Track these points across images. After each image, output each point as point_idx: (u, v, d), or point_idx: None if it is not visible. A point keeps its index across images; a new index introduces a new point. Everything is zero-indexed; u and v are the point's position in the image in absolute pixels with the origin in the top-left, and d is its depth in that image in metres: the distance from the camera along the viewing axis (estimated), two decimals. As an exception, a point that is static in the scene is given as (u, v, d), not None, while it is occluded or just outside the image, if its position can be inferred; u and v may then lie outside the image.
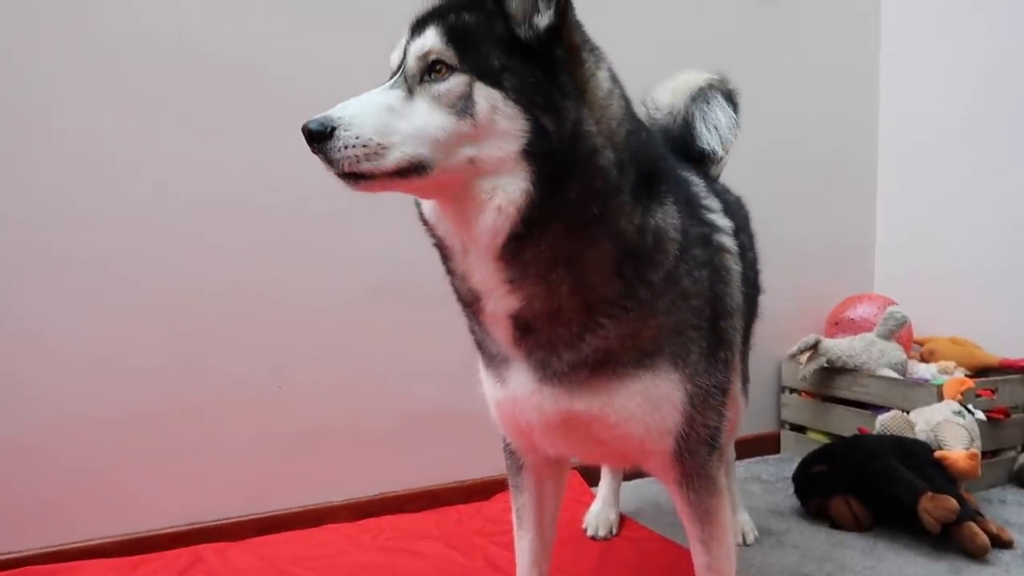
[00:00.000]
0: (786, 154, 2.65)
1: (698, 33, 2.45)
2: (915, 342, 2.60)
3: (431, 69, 0.93)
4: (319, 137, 0.89)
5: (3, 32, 1.63)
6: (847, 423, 2.36)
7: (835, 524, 1.92)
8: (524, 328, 1.02)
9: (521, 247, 0.95)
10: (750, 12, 2.57)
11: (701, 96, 1.57)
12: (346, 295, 1.96)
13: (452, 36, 0.93)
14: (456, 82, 0.92)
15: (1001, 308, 2.47)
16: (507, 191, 0.92)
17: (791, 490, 2.10)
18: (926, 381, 2.29)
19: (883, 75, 2.86)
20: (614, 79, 1.02)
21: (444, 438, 2.07)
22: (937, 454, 1.90)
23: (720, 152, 1.57)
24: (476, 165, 0.93)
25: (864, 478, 1.89)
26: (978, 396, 2.16)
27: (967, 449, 1.90)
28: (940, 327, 2.60)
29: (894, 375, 2.33)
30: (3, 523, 1.65)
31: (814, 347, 2.42)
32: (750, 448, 2.53)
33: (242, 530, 1.83)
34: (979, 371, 2.37)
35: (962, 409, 2.04)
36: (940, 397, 2.12)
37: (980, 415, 2.07)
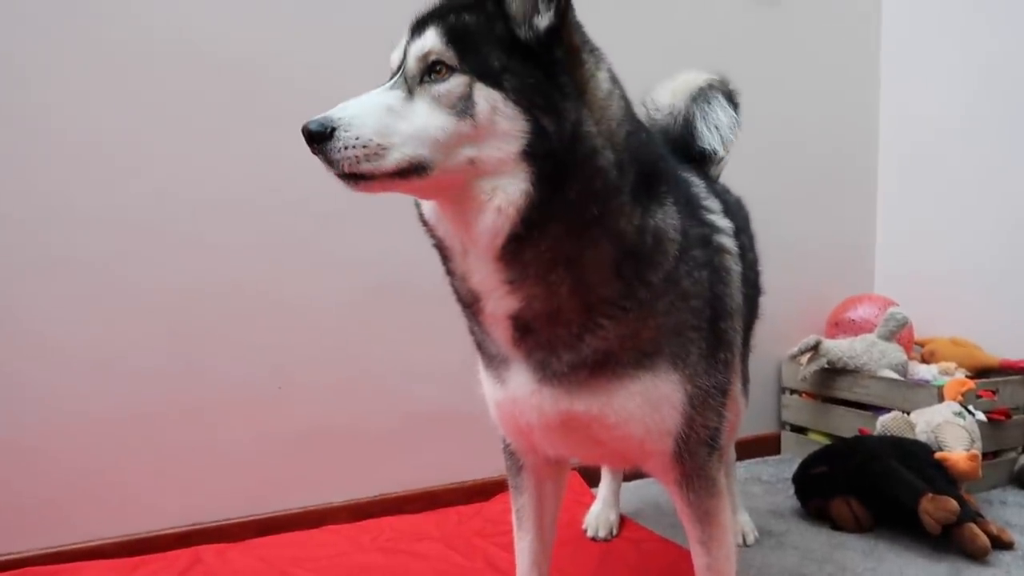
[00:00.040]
0: (786, 154, 2.65)
1: (698, 33, 2.45)
2: (916, 343, 2.60)
3: (431, 70, 0.93)
4: (319, 138, 0.89)
5: (3, 32, 1.63)
6: (848, 424, 2.36)
7: (836, 525, 1.92)
8: (524, 329, 1.02)
9: (521, 248, 0.95)
10: (750, 12, 2.57)
11: (701, 96, 1.57)
12: (346, 295, 1.96)
13: (452, 37, 0.93)
14: (456, 83, 0.92)
15: (1002, 309, 2.47)
16: (507, 192, 0.92)
17: (791, 491, 2.10)
18: (927, 382, 2.29)
19: (883, 75, 2.86)
20: (614, 80, 1.02)
21: (444, 439, 2.07)
22: (938, 455, 1.90)
23: (721, 152, 1.57)
24: (476, 166, 0.93)
25: (865, 479, 1.89)
26: (979, 397, 2.16)
27: (968, 450, 1.90)
28: (941, 328, 2.59)
29: (895, 376, 2.33)
30: (3, 523, 1.65)
31: (815, 348, 2.42)
32: (750, 449, 2.53)
33: (242, 531, 1.83)
34: (980, 372, 2.37)
35: (963, 410, 2.03)
36: (941, 398, 2.12)
37: (981, 416, 2.07)
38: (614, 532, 1.87)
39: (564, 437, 1.11)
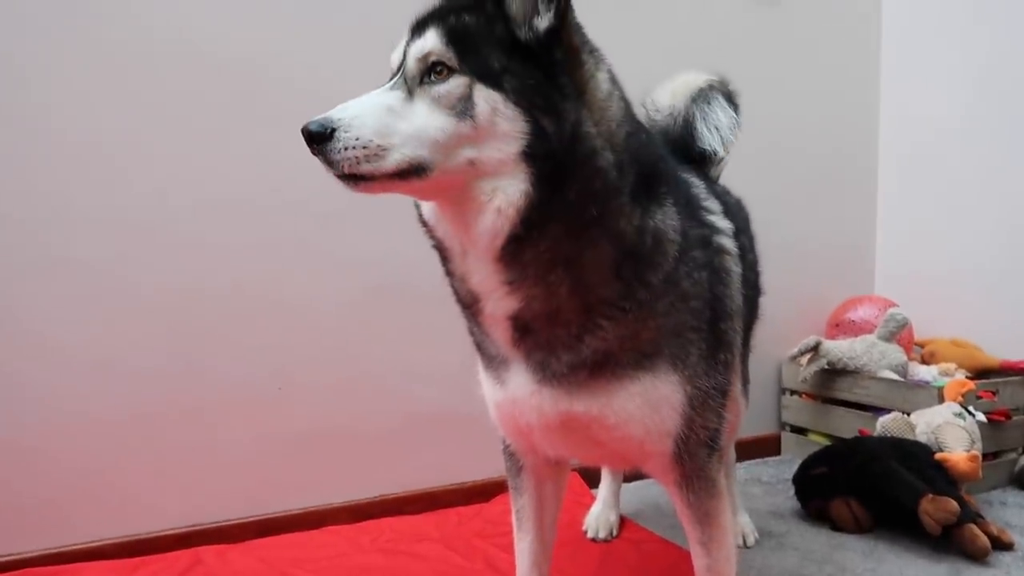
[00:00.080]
0: (786, 155, 2.65)
1: (698, 34, 2.45)
2: (916, 344, 2.60)
3: (431, 70, 0.93)
4: (319, 138, 0.89)
5: (3, 32, 1.63)
6: (848, 425, 2.36)
7: (836, 526, 1.92)
8: (523, 329, 1.02)
9: (520, 248, 0.95)
10: (750, 12, 2.57)
11: (701, 97, 1.57)
12: (346, 296, 1.96)
13: (452, 38, 0.93)
14: (456, 84, 0.92)
15: (1002, 310, 2.47)
16: (506, 193, 0.92)
17: (791, 492, 2.10)
18: (927, 383, 2.29)
19: (883, 75, 2.85)
20: (613, 81, 1.02)
21: (444, 440, 2.07)
22: (938, 456, 1.90)
23: (721, 153, 1.57)
24: (476, 167, 0.93)
25: (865, 480, 1.89)
26: (979, 398, 2.16)
27: (968, 451, 1.89)
28: (941, 329, 2.59)
29: (895, 377, 2.33)
30: (3, 524, 1.65)
31: (815, 349, 2.42)
32: (750, 450, 2.53)
33: (242, 532, 1.83)
34: (980, 373, 2.37)
35: (963, 411, 2.03)
36: (941, 399, 2.12)
37: (981, 417, 2.07)
38: (614, 533, 1.87)
39: (564, 438, 1.11)
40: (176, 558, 1.70)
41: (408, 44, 0.96)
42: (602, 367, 1.02)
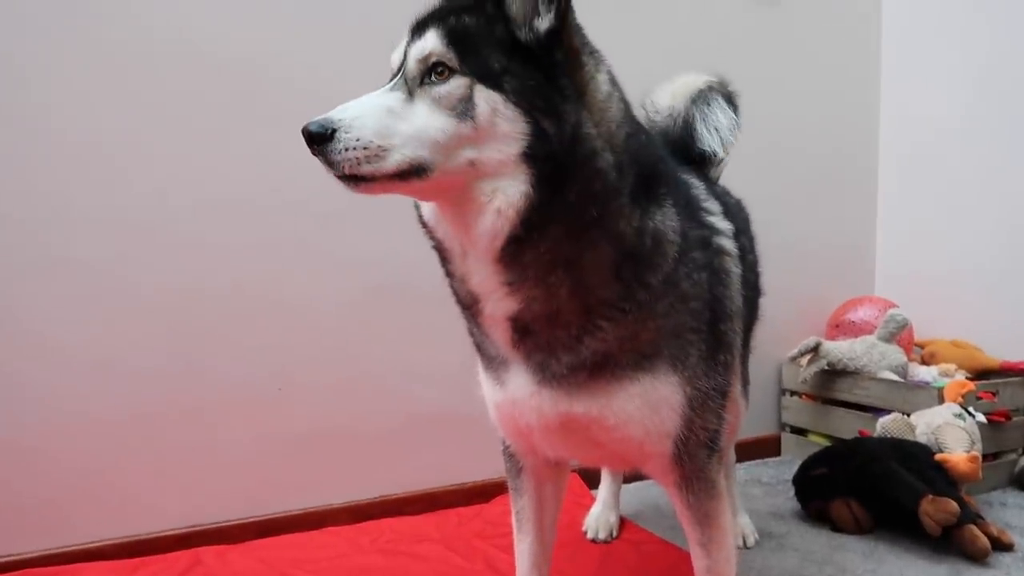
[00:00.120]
0: (786, 155, 2.65)
1: (698, 34, 2.45)
2: (916, 344, 2.60)
3: (432, 71, 0.93)
4: (319, 139, 0.89)
5: (3, 32, 1.63)
6: (848, 426, 2.36)
7: (836, 527, 1.92)
8: (523, 330, 1.02)
9: (520, 249, 0.95)
10: (750, 13, 2.57)
11: (701, 98, 1.57)
12: (346, 296, 1.96)
13: (453, 38, 0.92)
14: (457, 84, 0.92)
15: (1002, 310, 2.47)
16: (507, 193, 0.92)
17: (791, 493, 2.09)
18: (927, 384, 2.29)
19: (883, 75, 2.85)
20: (613, 82, 1.02)
21: (444, 440, 2.07)
22: (938, 457, 1.89)
23: (721, 154, 1.57)
24: (476, 167, 0.93)
25: (865, 481, 1.89)
26: (979, 399, 2.16)
27: (968, 452, 1.89)
28: (941, 329, 2.59)
29: (895, 378, 2.33)
30: (3, 524, 1.64)
31: (815, 350, 2.42)
32: (750, 451, 2.53)
33: (242, 532, 1.83)
34: (980, 374, 2.37)
35: (963, 412, 2.03)
36: (941, 400, 2.12)
37: (981, 418, 2.07)
38: (614, 534, 1.87)
39: (563, 439, 1.11)
40: (176, 559, 1.70)
41: (408, 45, 0.96)
42: (602, 368, 1.02)
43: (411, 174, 0.92)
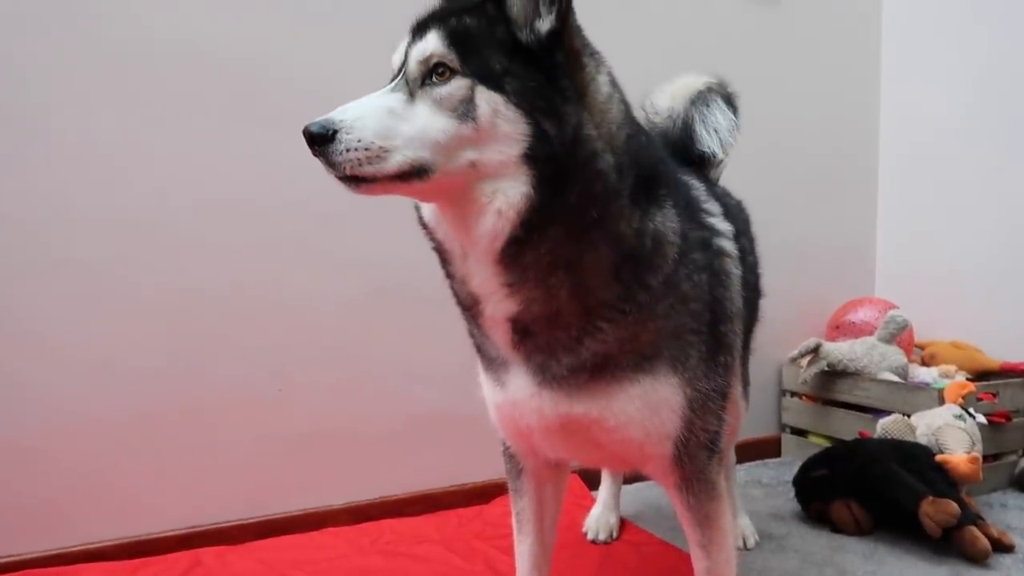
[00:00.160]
0: (786, 156, 2.65)
1: (698, 35, 2.45)
2: (916, 346, 2.60)
3: (432, 72, 0.93)
4: (320, 140, 0.89)
5: (3, 32, 1.63)
6: (848, 427, 2.36)
7: (836, 528, 1.92)
8: (523, 332, 1.02)
9: (520, 251, 0.95)
10: (750, 13, 2.57)
11: (701, 99, 1.57)
12: (346, 297, 1.96)
13: (454, 39, 0.92)
14: (458, 85, 0.92)
15: (1002, 311, 2.47)
16: (507, 195, 0.92)
17: (792, 494, 2.09)
18: (927, 385, 2.29)
19: (883, 75, 2.85)
20: (614, 83, 1.02)
21: (444, 441, 2.06)
22: (938, 458, 1.89)
23: (720, 155, 1.57)
24: (477, 169, 0.93)
25: (865, 482, 1.88)
26: (979, 400, 2.16)
27: (968, 453, 1.89)
28: (941, 331, 2.59)
29: (895, 379, 2.33)
30: (3, 525, 1.64)
31: (815, 351, 2.42)
32: (751, 452, 2.53)
33: (242, 533, 1.83)
34: (980, 375, 2.37)
35: (963, 413, 2.03)
36: (941, 401, 2.12)
37: (981, 419, 2.07)
38: (614, 535, 1.87)
39: (564, 440, 1.11)
40: (176, 559, 1.70)
41: (409, 46, 0.96)
42: (602, 369, 1.02)
43: (412, 175, 0.92)
